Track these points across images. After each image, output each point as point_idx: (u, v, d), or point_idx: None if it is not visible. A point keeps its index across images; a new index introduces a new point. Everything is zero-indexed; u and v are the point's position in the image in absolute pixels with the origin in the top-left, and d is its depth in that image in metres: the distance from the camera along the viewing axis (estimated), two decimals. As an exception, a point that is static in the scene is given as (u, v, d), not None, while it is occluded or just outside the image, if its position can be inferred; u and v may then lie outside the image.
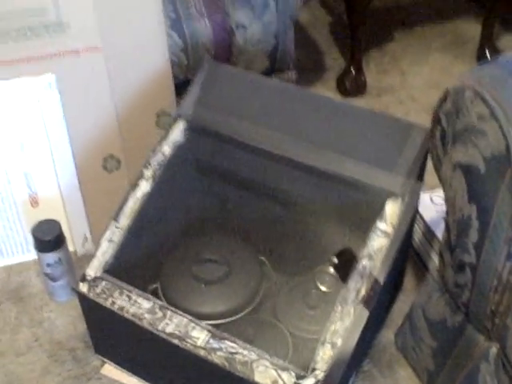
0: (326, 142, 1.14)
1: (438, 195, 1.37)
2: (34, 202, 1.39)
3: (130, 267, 1.14)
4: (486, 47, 2.02)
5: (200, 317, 1.07)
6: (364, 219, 1.09)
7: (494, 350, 0.99)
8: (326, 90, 1.92)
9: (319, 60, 2.09)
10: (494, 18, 2.05)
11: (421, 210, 1.39)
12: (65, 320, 1.33)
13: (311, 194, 1.19)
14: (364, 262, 1.03)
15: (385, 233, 1.05)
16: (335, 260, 1.18)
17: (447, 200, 1.01)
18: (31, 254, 1.43)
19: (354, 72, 1.90)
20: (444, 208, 1.05)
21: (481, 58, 2.01)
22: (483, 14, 2.09)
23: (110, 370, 1.24)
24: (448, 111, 0.96)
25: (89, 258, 1.15)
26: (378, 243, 1.04)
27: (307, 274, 1.23)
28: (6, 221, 1.39)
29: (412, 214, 1.07)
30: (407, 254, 1.29)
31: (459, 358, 1.08)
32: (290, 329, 1.18)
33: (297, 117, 1.17)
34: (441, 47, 2.12)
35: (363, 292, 1.01)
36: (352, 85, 1.90)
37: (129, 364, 1.20)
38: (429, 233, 1.37)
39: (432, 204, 1.39)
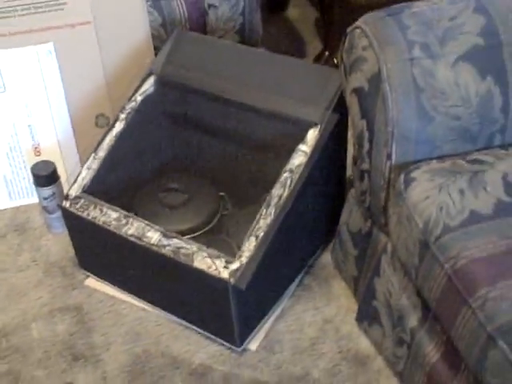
0: (268, 87, 1.39)
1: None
2: (37, 152, 1.66)
3: (104, 191, 1.40)
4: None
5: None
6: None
7: (390, 244, 1.21)
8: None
9: (302, 48, 2.35)
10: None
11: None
12: (59, 247, 1.59)
13: (257, 132, 1.44)
14: (285, 175, 1.27)
15: (304, 152, 1.28)
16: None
17: (351, 123, 1.24)
18: (35, 198, 1.70)
19: (327, 54, 2.16)
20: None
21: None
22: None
23: (92, 282, 1.49)
24: (346, 49, 1.20)
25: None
26: (298, 161, 1.28)
27: (256, 202, 1.47)
28: (13, 167, 1.67)
29: (328, 138, 1.30)
30: (341, 186, 1.51)
31: (370, 258, 1.30)
32: (239, 244, 1.41)
33: (245, 68, 1.43)
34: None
35: (284, 197, 1.24)
36: (325, 65, 2.15)
37: (104, 274, 1.45)
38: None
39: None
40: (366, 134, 1.16)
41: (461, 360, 1.04)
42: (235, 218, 1.51)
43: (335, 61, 2.16)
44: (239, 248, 1.41)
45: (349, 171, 1.55)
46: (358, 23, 1.17)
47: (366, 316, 1.31)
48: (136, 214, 1.43)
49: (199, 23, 1.74)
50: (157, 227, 1.29)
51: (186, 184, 1.50)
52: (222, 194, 1.53)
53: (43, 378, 1.31)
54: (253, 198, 1.49)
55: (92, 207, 1.35)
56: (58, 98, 1.63)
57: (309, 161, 1.27)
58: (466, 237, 0.98)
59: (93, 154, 1.42)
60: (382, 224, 1.22)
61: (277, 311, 1.41)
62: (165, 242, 1.26)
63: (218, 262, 1.22)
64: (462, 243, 0.97)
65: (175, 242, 1.26)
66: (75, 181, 1.40)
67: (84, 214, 1.34)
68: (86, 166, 1.41)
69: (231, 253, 1.40)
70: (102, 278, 1.47)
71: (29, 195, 1.70)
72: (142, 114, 1.46)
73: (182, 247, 1.25)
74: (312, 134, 1.30)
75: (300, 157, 1.28)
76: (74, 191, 1.38)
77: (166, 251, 1.25)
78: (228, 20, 1.75)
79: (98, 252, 1.41)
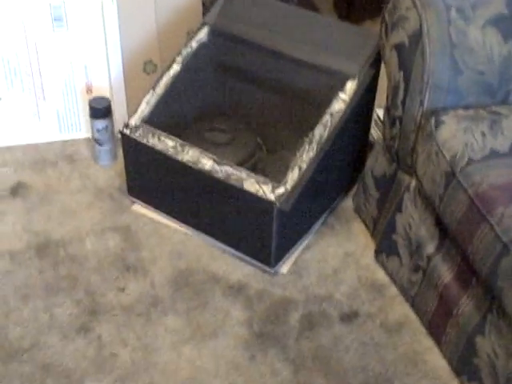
0: (311, 42, 1.57)
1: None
2: (89, 90, 1.83)
3: (158, 124, 1.57)
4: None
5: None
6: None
7: (413, 183, 1.40)
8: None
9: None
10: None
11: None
12: (106, 177, 1.76)
13: (298, 82, 1.62)
14: (327, 117, 1.45)
15: (343, 100, 1.47)
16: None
17: (387, 75, 1.43)
18: (82, 133, 1.86)
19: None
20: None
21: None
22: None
23: (138, 208, 1.67)
24: (389, 10, 1.38)
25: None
26: (338, 106, 1.46)
27: (291, 148, 1.65)
28: (66, 103, 1.83)
29: (365, 88, 1.48)
30: (366, 139, 1.70)
31: (392, 197, 1.49)
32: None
33: (291, 24, 1.61)
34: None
35: (324, 136, 1.43)
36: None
37: (152, 200, 1.63)
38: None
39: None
40: (402, 84, 1.35)
41: (472, 276, 1.23)
42: (269, 162, 1.69)
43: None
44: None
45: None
46: (401, -12, 1.35)
47: (385, 248, 1.50)
48: (183, 149, 1.61)
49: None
50: (210, 155, 1.46)
51: (229, 126, 1.67)
52: (258, 139, 1.71)
53: (98, 282, 1.49)
54: (286, 144, 1.68)
55: (150, 135, 1.52)
56: (113, 41, 1.79)
57: (347, 107, 1.46)
58: (487, 168, 1.17)
59: (151, 90, 1.59)
60: (407, 165, 1.41)
61: (303, 244, 1.59)
62: (217, 168, 1.44)
63: (265, 186, 1.39)
64: (483, 173, 1.17)
65: (227, 168, 1.44)
66: (135, 112, 1.57)
67: (143, 141, 1.51)
68: (145, 100, 1.58)
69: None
70: (148, 204, 1.64)
71: (77, 130, 1.87)
72: (195, 60, 1.63)
73: (232, 173, 1.43)
74: (350, 85, 1.48)
75: (340, 103, 1.46)
76: (133, 121, 1.55)
77: (219, 176, 1.43)
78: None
79: (150, 178, 1.58)
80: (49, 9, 1.71)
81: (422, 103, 1.31)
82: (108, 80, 1.82)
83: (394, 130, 1.42)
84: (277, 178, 1.58)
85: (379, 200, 1.55)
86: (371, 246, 1.60)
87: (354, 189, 1.70)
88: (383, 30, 1.41)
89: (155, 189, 1.60)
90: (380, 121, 1.88)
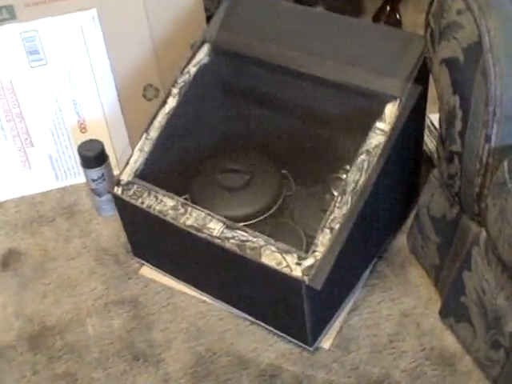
0: (337, 55, 1.23)
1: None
2: (83, 128, 1.55)
3: (158, 174, 1.28)
4: None
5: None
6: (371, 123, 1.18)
7: (483, 234, 1.06)
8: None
9: (359, 2, 2.16)
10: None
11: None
12: (110, 231, 1.48)
13: (324, 105, 1.29)
14: (362, 157, 1.12)
15: (382, 131, 1.13)
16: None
17: (439, 97, 1.08)
18: (82, 177, 1.59)
19: (388, 9, 1.97)
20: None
21: None
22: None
23: (148, 271, 1.39)
24: (435, 12, 1.03)
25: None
26: (376, 140, 1.13)
27: (323, 182, 1.33)
28: (59, 146, 1.56)
29: (409, 114, 1.14)
30: (418, 163, 1.36)
31: (457, 248, 1.15)
32: (305, 229, 1.29)
33: (310, 34, 1.27)
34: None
35: (361, 183, 1.10)
36: (386, 22, 1.97)
37: (160, 263, 1.35)
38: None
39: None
40: (459, 113, 1.00)
41: None
42: (300, 199, 1.38)
43: (398, 17, 1.98)
44: (305, 234, 1.30)
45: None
46: (449, -18, 1.00)
47: (453, 312, 1.18)
48: (192, 199, 1.32)
49: (253, -20, 1.58)
50: (218, 217, 1.16)
51: (245, 163, 1.36)
52: (284, 171, 1.39)
53: (102, 380, 1.22)
54: (318, 176, 1.36)
55: (146, 194, 1.23)
56: (103, 68, 1.50)
57: (388, 141, 1.12)
58: None
59: (145, 135, 1.29)
60: (474, 213, 1.07)
61: (349, 304, 1.28)
62: (228, 234, 1.14)
63: (288, 257, 1.09)
64: None
65: (240, 234, 1.13)
66: (127, 164, 1.28)
67: (138, 202, 1.22)
68: (137, 147, 1.28)
69: (298, 240, 1.29)
70: (157, 267, 1.36)
71: (76, 175, 1.60)
72: (196, 88, 1.32)
73: (247, 240, 1.12)
74: (390, 110, 1.14)
75: (378, 136, 1.13)
76: (125, 176, 1.26)
77: (230, 245, 1.13)
78: (285, -25, 1.58)
79: (152, 241, 1.30)
80: (20, 42, 1.42)
81: (488, 139, 0.97)
82: (103, 114, 1.54)
83: (452, 168, 1.08)
84: (310, 225, 1.29)
85: (440, 246, 1.21)
86: (434, 300, 1.27)
87: (408, 223, 1.37)
88: (428, 37, 1.06)
89: (161, 252, 1.32)
90: (434, 128, 1.53)
